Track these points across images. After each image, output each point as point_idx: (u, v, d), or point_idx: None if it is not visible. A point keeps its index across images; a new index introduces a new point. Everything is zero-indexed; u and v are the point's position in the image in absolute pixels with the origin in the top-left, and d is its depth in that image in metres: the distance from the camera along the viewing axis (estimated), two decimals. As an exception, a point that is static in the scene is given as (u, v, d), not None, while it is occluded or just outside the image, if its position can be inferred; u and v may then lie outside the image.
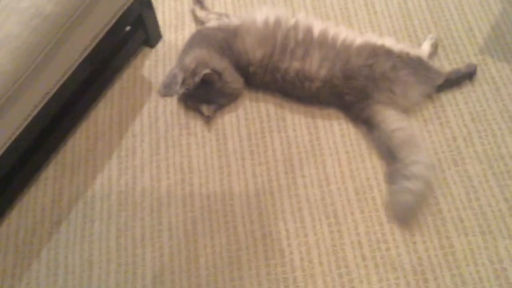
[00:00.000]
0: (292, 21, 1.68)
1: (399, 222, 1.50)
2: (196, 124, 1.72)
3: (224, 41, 1.70)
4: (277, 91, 1.73)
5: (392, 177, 1.53)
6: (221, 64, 1.67)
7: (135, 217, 1.57)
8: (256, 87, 1.75)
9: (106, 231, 1.55)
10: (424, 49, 1.75)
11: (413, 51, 1.65)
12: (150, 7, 1.78)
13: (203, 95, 1.67)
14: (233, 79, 1.70)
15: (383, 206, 1.53)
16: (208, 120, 1.71)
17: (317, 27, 1.67)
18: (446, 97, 1.70)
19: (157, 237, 1.53)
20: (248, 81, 1.73)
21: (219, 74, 1.65)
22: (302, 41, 1.64)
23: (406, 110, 1.65)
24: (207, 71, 1.61)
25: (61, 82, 1.47)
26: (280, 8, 1.77)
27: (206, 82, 1.63)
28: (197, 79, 1.62)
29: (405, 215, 1.50)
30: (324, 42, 1.64)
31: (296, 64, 1.63)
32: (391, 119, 1.58)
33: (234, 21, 1.75)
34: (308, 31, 1.66)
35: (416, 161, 1.50)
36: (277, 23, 1.67)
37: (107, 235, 1.54)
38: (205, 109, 1.68)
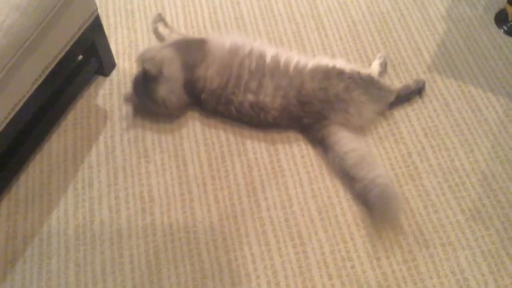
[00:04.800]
0: (247, 49, 1.69)
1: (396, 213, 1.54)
2: (155, 152, 1.69)
3: (192, 60, 1.68)
4: (234, 120, 1.73)
5: (362, 194, 1.55)
6: (174, 74, 1.65)
7: (94, 251, 1.51)
8: (213, 114, 1.74)
9: (64, 268, 1.49)
10: (374, 68, 1.81)
11: (364, 71, 1.69)
12: (102, 35, 1.76)
13: (142, 90, 1.68)
14: (173, 91, 1.67)
15: (346, 223, 1.54)
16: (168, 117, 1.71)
17: (270, 53, 1.68)
18: (399, 115, 1.75)
19: (119, 271, 1.48)
20: (202, 107, 1.73)
21: (156, 78, 1.63)
22: (255, 71, 1.64)
23: (362, 129, 1.70)
24: (148, 65, 1.61)
25: (11, 116, 1.42)
26: (242, 36, 1.79)
27: (147, 77, 1.63)
28: (142, 66, 1.63)
29: (393, 203, 1.53)
30: (277, 69, 1.65)
31: (250, 97, 1.63)
32: (344, 141, 1.60)
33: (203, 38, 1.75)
34: (261, 58, 1.66)
35: (379, 175, 1.53)
36: (235, 50, 1.68)
37: (65, 271, 1.48)
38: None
